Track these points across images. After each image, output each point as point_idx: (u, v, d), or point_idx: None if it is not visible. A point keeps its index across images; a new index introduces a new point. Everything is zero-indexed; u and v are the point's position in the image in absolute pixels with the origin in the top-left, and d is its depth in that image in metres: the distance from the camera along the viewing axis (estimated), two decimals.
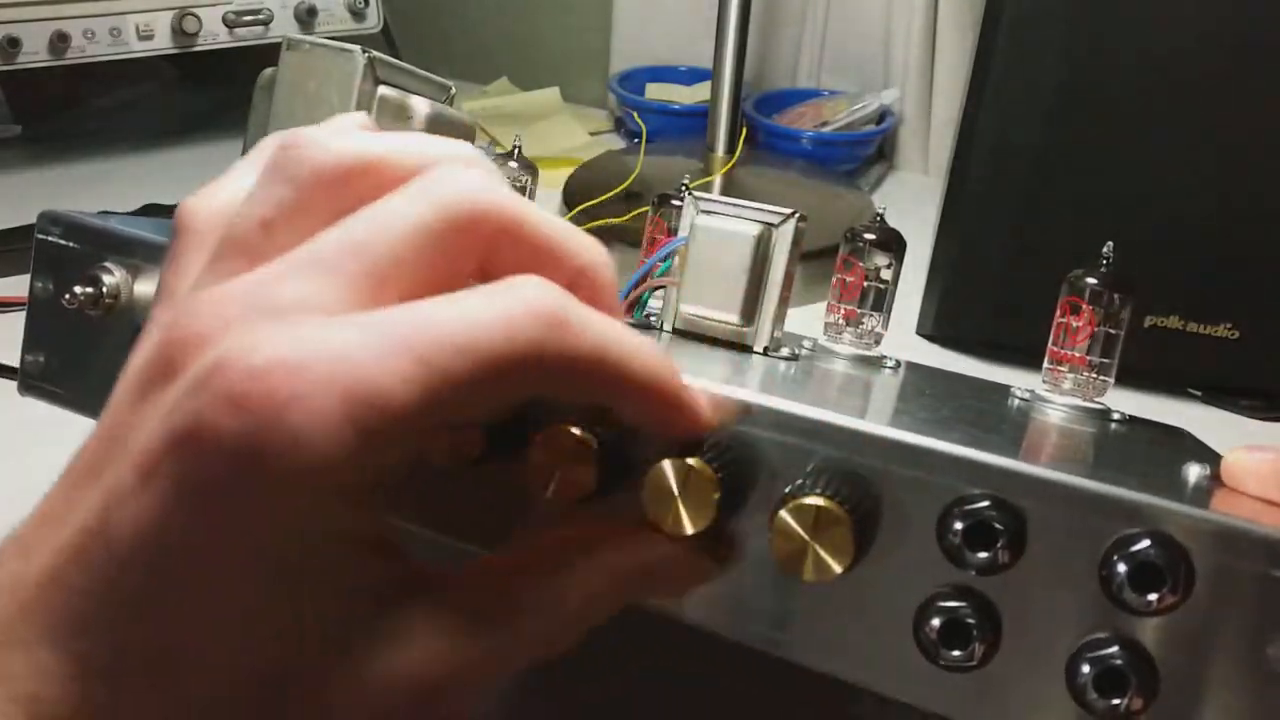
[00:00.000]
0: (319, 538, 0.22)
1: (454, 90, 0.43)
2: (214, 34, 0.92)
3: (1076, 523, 0.25)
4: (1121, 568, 0.24)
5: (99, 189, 0.89)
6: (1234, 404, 0.63)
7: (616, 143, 1.07)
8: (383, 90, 0.39)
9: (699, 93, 1.05)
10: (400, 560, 0.24)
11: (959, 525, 0.26)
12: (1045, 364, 0.44)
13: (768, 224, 0.39)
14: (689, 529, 0.27)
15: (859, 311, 0.45)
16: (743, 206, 0.40)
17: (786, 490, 0.27)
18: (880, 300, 0.45)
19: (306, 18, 0.95)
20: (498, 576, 0.26)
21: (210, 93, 1.13)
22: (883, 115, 1.00)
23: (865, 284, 0.45)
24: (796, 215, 0.40)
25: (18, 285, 0.74)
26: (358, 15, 0.97)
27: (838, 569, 0.26)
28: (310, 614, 0.22)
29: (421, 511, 0.30)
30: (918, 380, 0.45)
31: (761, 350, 0.40)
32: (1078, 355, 0.43)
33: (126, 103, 1.14)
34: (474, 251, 0.25)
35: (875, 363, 0.45)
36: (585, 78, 1.18)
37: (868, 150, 1.00)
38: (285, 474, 0.20)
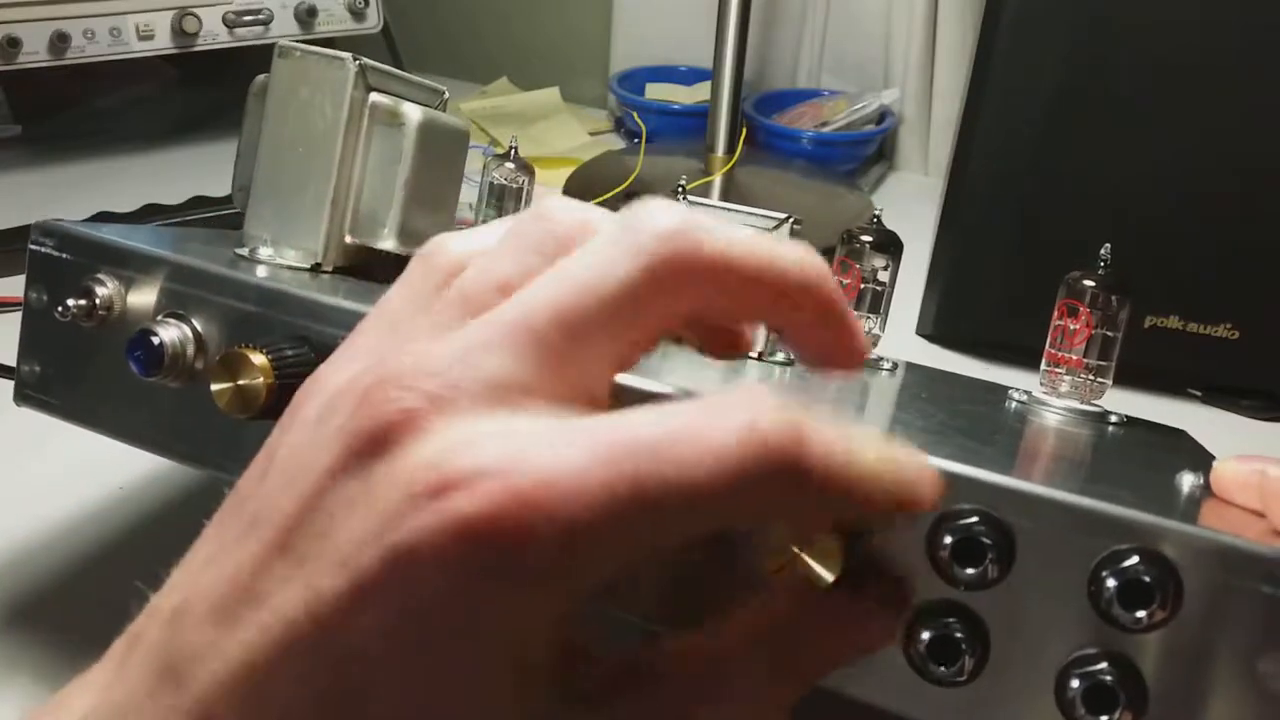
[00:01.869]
0: (530, 674, 0.21)
1: (446, 94, 0.43)
2: (214, 34, 0.92)
3: (1065, 539, 0.25)
4: (1111, 584, 0.24)
5: (99, 189, 0.88)
6: (1234, 404, 0.63)
7: (616, 143, 1.07)
8: (374, 97, 0.39)
9: (699, 93, 1.05)
10: (595, 663, 0.24)
11: (948, 540, 0.26)
12: (1043, 366, 0.44)
13: (762, 229, 0.39)
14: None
15: (856, 313, 0.45)
16: (738, 212, 0.40)
17: None
18: (878, 302, 0.45)
19: (306, 18, 0.95)
20: (695, 664, 0.24)
21: (210, 93, 1.13)
22: (883, 115, 1.00)
23: (862, 285, 0.45)
24: (791, 219, 0.40)
25: (18, 285, 0.74)
26: (358, 15, 0.97)
27: (827, 579, 0.26)
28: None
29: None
30: (914, 383, 0.45)
31: (756, 355, 0.40)
32: (1075, 358, 0.43)
33: (126, 103, 1.14)
34: (686, 299, 0.23)
35: (873, 365, 0.45)
36: (585, 78, 1.18)
37: (868, 150, 1.00)
38: (511, 604, 0.20)
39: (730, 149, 0.91)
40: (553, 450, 0.20)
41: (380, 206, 0.40)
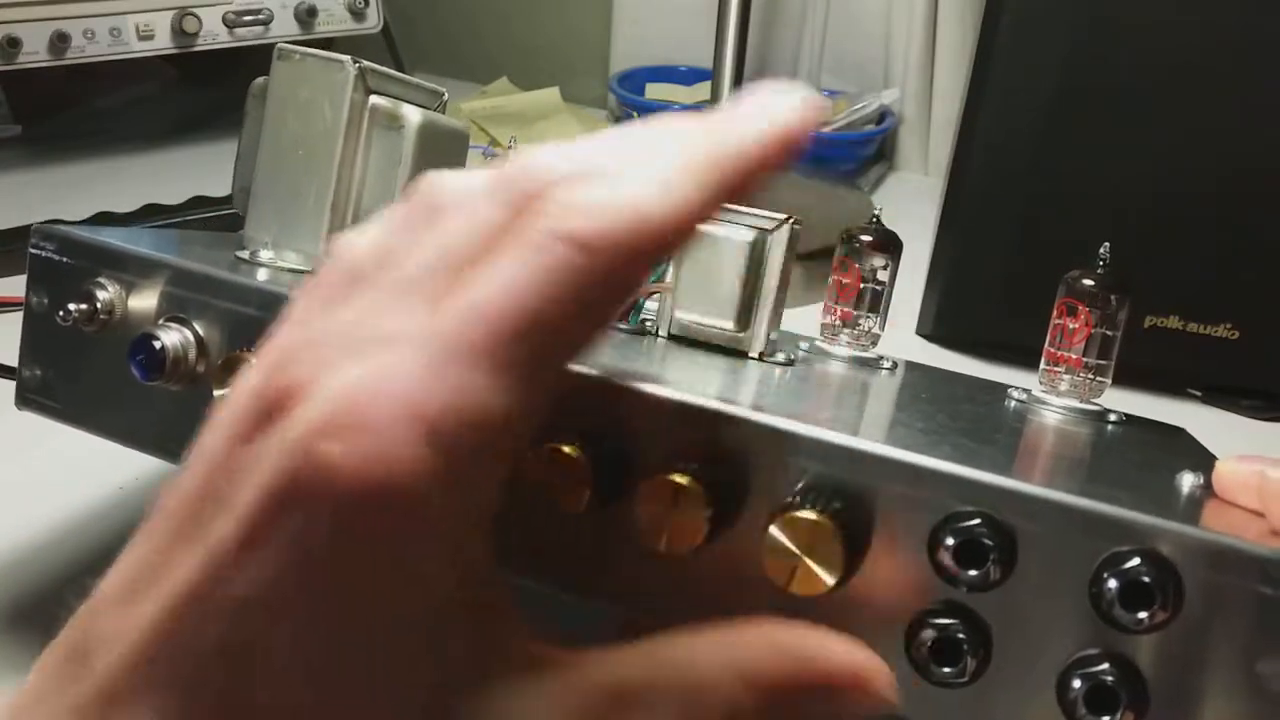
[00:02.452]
0: (435, 596, 0.21)
1: (446, 96, 0.43)
2: (214, 34, 0.92)
3: (1067, 540, 0.25)
4: (1112, 585, 0.24)
5: (99, 189, 0.88)
6: (1234, 404, 0.63)
7: None
8: (374, 99, 0.39)
9: (699, 93, 1.05)
10: (529, 635, 0.23)
11: (950, 542, 0.26)
12: (1042, 365, 0.44)
13: (762, 230, 0.39)
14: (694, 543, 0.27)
15: (855, 313, 0.45)
16: (737, 211, 0.40)
17: (778, 505, 0.27)
18: (877, 301, 0.45)
19: (306, 18, 0.95)
20: (637, 667, 0.24)
21: (210, 93, 1.13)
22: (883, 115, 1.00)
23: (862, 285, 0.45)
24: (791, 220, 0.40)
25: (18, 285, 0.74)
26: (358, 15, 0.97)
27: (829, 582, 0.26)
28: (431, 681, 0.21)
29: (532, 564, 0.30)
30: (915, 382, 0.45)
31: (757, 356, 0.40)
32: (1074, 356, 0.43)
33: (126, 103, 1.14)
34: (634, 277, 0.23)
35: (873, 364, 0.45)
36: (585, 78, 1.18)
37: (868, 150, 1.00)
38: (382, 523, 0.20)
39: None
40: (396, 353, 0.21)
41: (381, 208, 0.40)
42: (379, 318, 0.22)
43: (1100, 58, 0.62)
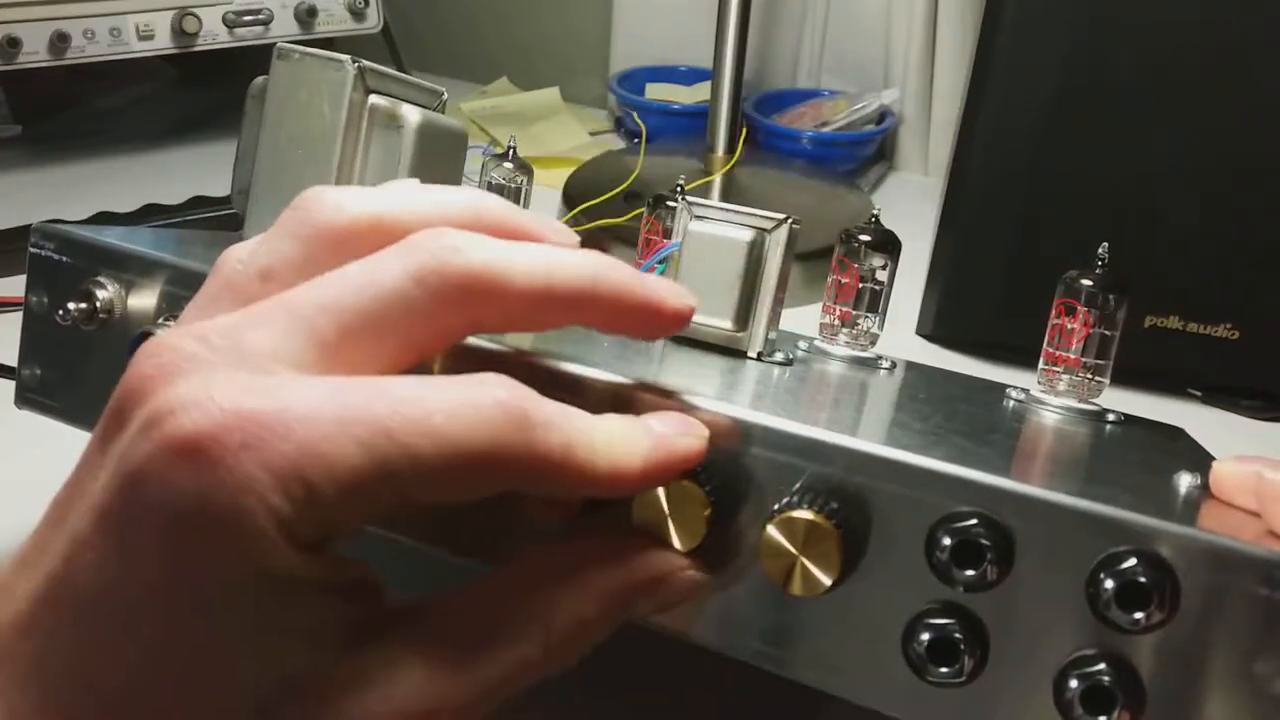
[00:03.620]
0: (273, 584, 0.22)
1: (445, 95, 0.43)
2: (214, 34, 0.92)
3: (1064, 540, 0.25)
4: (1109, 585, 0.24)
5: (99, 189, 0.89)
6: (1234, 404, 0.63)
7: (616, 143, 1.07)
8: (373, 99, 0.39)
9: (699, 93, 1.05)
10: (369, 599, 0.24)
11: (947, 542, 0.26)
12: (1040, 365, 0.44)
13: (761, 229, 0.39)
14: (679, 547, 0.27)
15: (854, 313, 0.45)
16: (736, 212, 0.40)
17: (776, 505, 0.27)
18: (876, 301, 0.45)
19: (306, 18, 0.95)
20: (481, 603, 0.26)
21: (210, 93, 1.13)
22: (883, 115, 1.00)
23: (860, 285, 0.45)
24: (790, 220, 0.40)
25: (18, 285, 0.74)
26: (358, 15, 0.97)
27: (826, 582, 0.26)
28: (273, 660, 0.22)
29: (415, 527, 0.31)
30: (913, 382, 0.45)
31: (755, 355, 0.40)
32: (1073, 356, 0.43)
33: (126, 103, 1.14)
34: (460, 314, 0.25)
35: (871, 364, 0.45)
36: (585, 78, 1.18)
37: (868, 150, 1.00)
38: (232, 524, 0.21)
39: (730, 149, 0.91)
40: (292, 386, 0.22)
41: None
42: (238, 332, 0.23)
43: (1100, 58, 0.62)
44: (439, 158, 0.41)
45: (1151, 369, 0.62)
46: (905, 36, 0.99)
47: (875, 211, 0.46)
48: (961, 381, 0.48)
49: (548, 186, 0.89)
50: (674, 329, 0.28)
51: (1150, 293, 0.62)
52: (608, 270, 0.27)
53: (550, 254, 0.26)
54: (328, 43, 1.21)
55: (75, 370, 0.39)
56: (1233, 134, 0.61)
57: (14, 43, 0.85)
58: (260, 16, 0.93)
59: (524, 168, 0.53)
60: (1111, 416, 0.42)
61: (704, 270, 0.39)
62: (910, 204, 0.92)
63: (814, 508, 0.26)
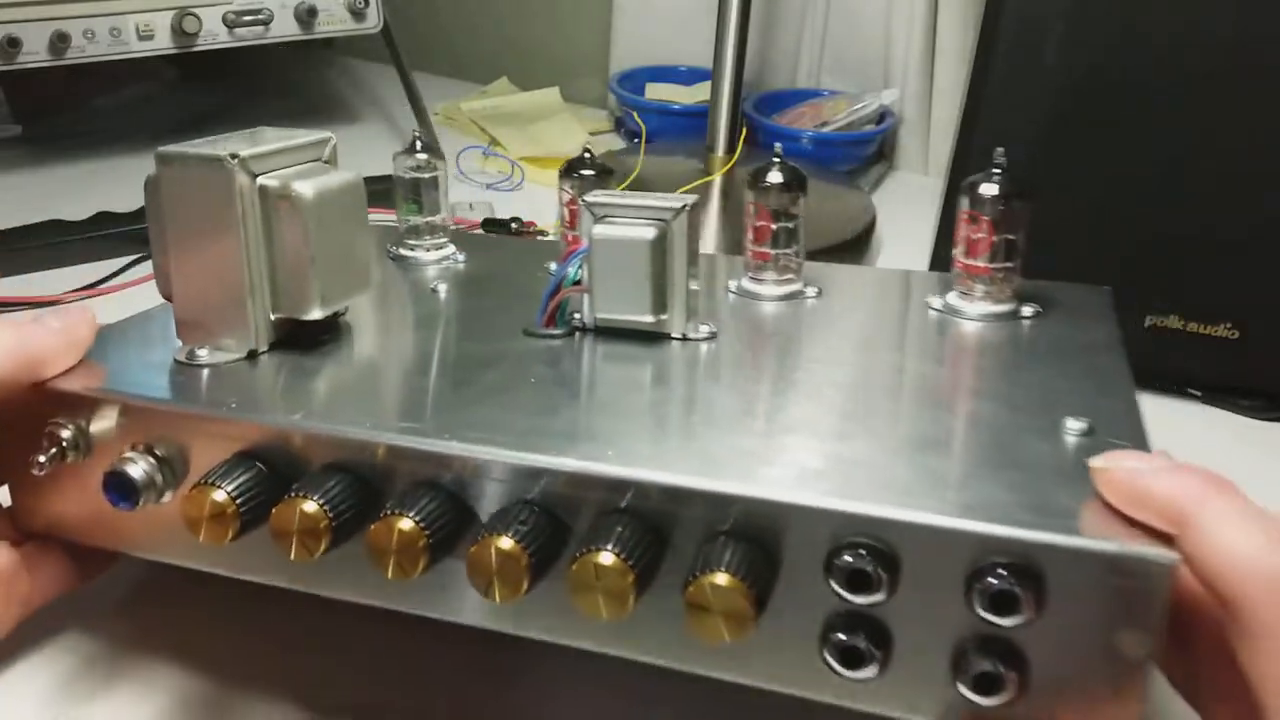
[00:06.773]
0: None
1: (334, 140, 0.43)
2: (214, 34, 0.92)
3: (938, 556, 0.29)
4: (982, 593, 0.28)
5: (99, 189, 0.89)
6: (1234, 404, 0.63)
7: (616, 143, 1.07)
8: (262, 181, 0.39)
9: (699, 93, 1.05)
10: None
11: (841, 566, 0.29)
12: (954, 274, 0.46)
13: (662, 222, 0.41)
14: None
15: (774, 252, 0.48)
16: (637, 206, 0.41)
17: (688, 571, 0.30)
18: (791, 237, 0.48)
19: (307, 18, 0.95)
20: None
21: (210, 93, 1.13)
22: (883, 115, 1.00)
23: (775, 226, 0.48)
24: (687, 207, 0.41)
25: (18, 285, 0.74)
26: (358, 15, 0.97)
27: (750, 629, 0.29)
28: None
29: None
30: (836, 309, 0.47)
31: (681, 336, 0.42)
32: (982, 265, 0.45)
33: (126, 103, 1.14)
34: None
35: (796, 297, 0.48)
36: (585, 78, 1.18)
37: (868, 150, 1.00)
38: None
39: (730, 149, 0.91)
40: None
41: (297, 281, 0.40)
42: None
43: (1100, 57, 0.62)
44: (341, 215, 0.41)
45: (1151, 369, 0.62)
46: (905, 36, 0.99)
47: (777, 157, 0.49)
48: (884, 290, 0.50)
49: (548, 186, 0.89)
50: None
51: (1150, 293, 0.62)
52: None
53: None
54: (327, 43, 1.22)
55: (75, 502, 0.40)
56: (1234, 134, 0.61)
57: (14, 43, 0.85)
58: (260, 16, 0.93)
59: (435, 152, 0.53)
60: (1026, 312, 0.45)
61: (614, 270, 0.41)
62: (910, 204, 0.92)
63: (722, 567, 0.29)
